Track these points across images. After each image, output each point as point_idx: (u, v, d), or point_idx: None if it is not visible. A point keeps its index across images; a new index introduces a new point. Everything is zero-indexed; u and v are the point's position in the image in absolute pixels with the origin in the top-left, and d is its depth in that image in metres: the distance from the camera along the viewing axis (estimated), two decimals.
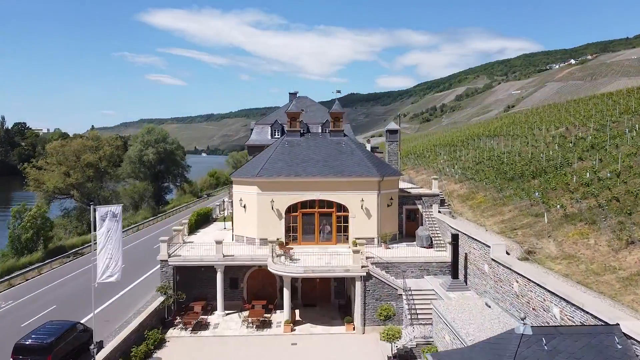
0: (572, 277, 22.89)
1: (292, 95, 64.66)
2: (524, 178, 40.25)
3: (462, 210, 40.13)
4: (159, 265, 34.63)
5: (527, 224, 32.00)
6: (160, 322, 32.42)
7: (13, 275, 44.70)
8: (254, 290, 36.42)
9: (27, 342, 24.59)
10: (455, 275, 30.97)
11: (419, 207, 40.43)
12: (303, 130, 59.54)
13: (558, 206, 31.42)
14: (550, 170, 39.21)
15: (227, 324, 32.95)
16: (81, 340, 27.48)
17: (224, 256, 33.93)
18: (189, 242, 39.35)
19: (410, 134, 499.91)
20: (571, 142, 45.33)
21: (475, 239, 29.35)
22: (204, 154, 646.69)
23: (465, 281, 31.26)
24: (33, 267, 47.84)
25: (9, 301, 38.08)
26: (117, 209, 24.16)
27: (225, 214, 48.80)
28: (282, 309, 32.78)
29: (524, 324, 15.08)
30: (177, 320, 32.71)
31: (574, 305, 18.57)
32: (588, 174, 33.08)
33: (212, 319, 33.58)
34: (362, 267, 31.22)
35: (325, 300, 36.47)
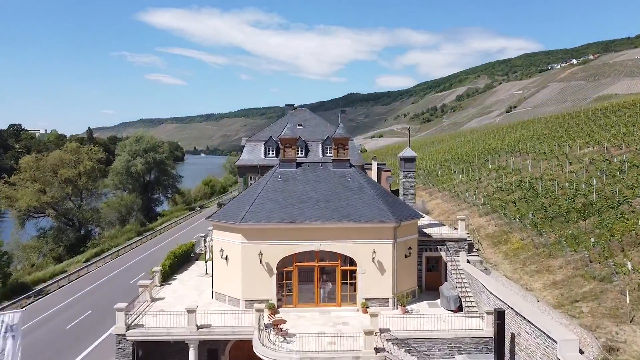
0: None
1: (289, 107, 56.94)
2: (569, 217, 32.56)
3: (496, 260, 32.35)
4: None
5: (591, 292, 24.32)
6: None
7: None
8: None
9: None
10: None
11: (442, 254, 32.72)
12: (301, 148, 52.04)
13: (629, 266, 23.84)
14: (603, 209, 31.54)
15: None
16: None
17: (197, 328, 26.22)
18: (159, 298, 31.58)
19: (411, 134, 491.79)
20: (619, 169, 37.70)
21: (531, 322, 21.65)
22: (203, 154, 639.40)
23: None
24: None
25: None
26: (12, 318, 16.26)
27: (208, 257, 41.15)
28: None
29: None
30: None
31: None
32: None
33: None
34: (377, 351, 23.56)
35: None
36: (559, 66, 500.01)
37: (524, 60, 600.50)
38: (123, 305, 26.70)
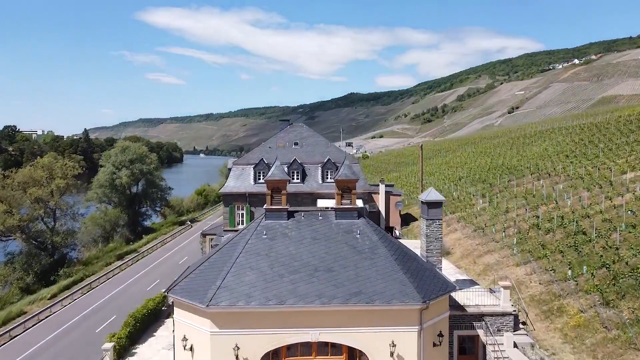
0: None
1: (283, 123, 48.76)
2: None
3: (552, 343, 24.24)
4: None
5: None
6: None
7: None
8: None
9: None
10: None
11: (480, 332, 24.70)
12: (296, 172, 43.97)
13: None
14: None
15: None
16: None
17: None
18: None
19: (411, 134, 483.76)
20: None
21: None
22: (202, 155, 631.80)
23: None
24: None
25: None
26: None
27: None
28: None
29: None
30: None
31: None
32: None
33: None
34: None
35: None
36: (560, 66, 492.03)
37: (525, 60, 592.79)
38: None
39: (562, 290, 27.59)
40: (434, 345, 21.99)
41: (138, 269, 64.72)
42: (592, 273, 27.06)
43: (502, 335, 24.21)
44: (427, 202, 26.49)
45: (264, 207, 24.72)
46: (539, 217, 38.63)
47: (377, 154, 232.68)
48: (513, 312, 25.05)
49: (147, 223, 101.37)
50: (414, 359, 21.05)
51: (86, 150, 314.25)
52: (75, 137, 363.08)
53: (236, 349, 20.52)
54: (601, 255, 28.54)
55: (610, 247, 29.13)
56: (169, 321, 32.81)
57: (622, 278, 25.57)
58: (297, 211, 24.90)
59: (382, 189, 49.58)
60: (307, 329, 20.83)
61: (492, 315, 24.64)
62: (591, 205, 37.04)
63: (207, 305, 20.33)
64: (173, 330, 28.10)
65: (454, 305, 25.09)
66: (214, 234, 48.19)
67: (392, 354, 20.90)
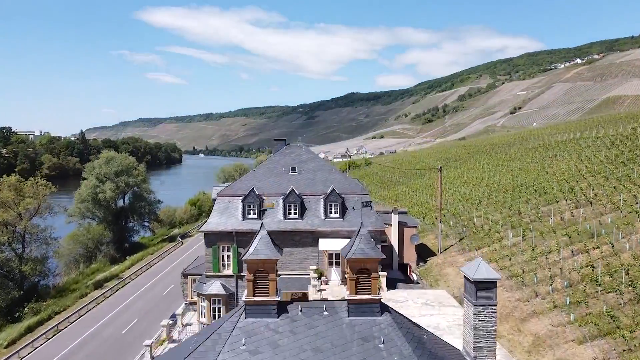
0: None
1: (279, 142, 40.89)
2: None
3: None
4: None
5: None
6: None
7: None
8: None
9: None
10: None
11: None
12: (294, 206, 36.10)
13: None
14: None
15: None
16: None
17: None
18: None
19: (412, 135, 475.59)
20: None
21: None
22: (201, 155, 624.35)
23: None
24: None
25: None
26: None
27: None
28: None
29: None
30: None
31: None
32: None
33: None
34: None
35: None
36: (562, 66, 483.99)
37: (527, 60, 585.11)
38: None
39: None
40: None
41: (117, 301, 56.92)
42: None
43: None
44: (476, 282, 18.50)
45: (243, 298, 16.72)
46: (594, 268, 30.74)
47: (379, 158, 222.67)
48: None
49: (136, 238, 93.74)
50: None
51: (82, 152, 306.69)
52: (72, 139, 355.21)
53: None
54: None
55: None
56: None
57: None
58: (291, 304, 16.92)
59: (394, 220, 41.80)
60: None
61: None
62: None
63: None
64: None
65: None
66: (198, 274, 40.33)
67: None
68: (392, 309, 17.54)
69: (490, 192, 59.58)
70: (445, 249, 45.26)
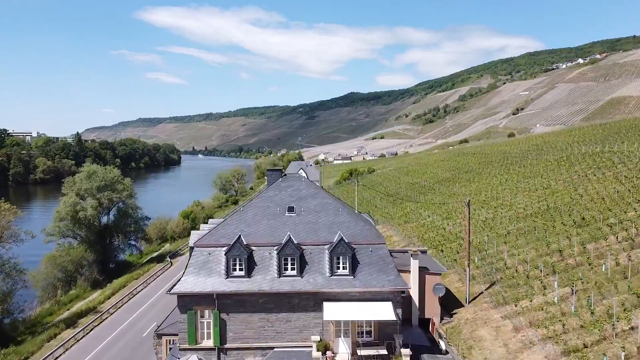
0: None
1: (274, 173, 32.93)
2: None
3: None
4: None
5: None
6: None
7: None
8: None
9: None
10: None
11: None
12: (291, 259, 28.18)
13: None
14: None
15: None
16: None
17: None
18: None
19: (413, 135, 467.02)
20: None
21: None
22: (200, 156, 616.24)
23: None
24: None
25: None
26: None
27: None
28: None
29: None
30: None
31: None
32: None
33: None
34: None
35: None
36: (564, 65, 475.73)
37: (528, 59, 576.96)
38: None
39: None
40: None
41: (88, 346, 48.83)
42: None
43: None
44: None
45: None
46: None
47: (381, 161, 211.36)
48: None
49: (123, 256, 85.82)
50: None
51: (78, 154, 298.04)
52: (70, 140, 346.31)
53: None
54: None
55: None
56: None
57: None
58: None
59: (414, 266, 33.92)
60: None
61: None
62: None
63: None
64: None
65: None
66: (174, 335, 32.29)
67: None
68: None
69: (517, 217, 51.66)
70: (474, 297, 37.36)
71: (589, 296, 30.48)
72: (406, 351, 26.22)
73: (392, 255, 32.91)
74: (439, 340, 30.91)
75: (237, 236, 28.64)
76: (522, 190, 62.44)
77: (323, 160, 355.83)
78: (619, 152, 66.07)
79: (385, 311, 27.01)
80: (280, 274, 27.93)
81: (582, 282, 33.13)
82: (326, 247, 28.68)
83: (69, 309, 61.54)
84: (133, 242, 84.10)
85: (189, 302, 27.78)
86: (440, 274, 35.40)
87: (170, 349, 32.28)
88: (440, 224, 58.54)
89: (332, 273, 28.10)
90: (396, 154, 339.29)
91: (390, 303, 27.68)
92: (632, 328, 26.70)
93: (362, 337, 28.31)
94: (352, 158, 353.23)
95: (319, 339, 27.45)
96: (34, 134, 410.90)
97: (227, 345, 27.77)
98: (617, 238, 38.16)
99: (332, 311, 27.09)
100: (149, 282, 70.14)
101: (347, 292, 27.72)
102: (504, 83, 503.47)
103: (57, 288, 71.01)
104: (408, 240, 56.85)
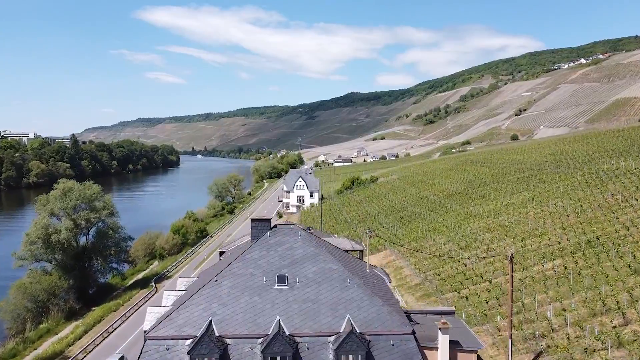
0: None
1: (261, 225, 24.50)
2: None
3: None
4: None
5: None
6: None
7: None
8: None
9: None
10: None
11: None
12: (285, 353, 19.77)
13: None
14: None
15: None
16: None
17: None
18: None
19: (413, 136, 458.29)
20: None
21: None
22: (199, 156, 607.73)
23: None
24: None
25: None
26: None
27: None
28: None
29: None
30: None
31: None
32: None
33: None
34: None
35: None
36: (566, 66, 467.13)
37: (529, 59, 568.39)
38: None
39: None
40: None
41: None
42: None
43: None
44: None
45: None
46: None
47: (382, 164, 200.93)
48: None
49: (106, 278, 77.45)
50: None
51: (74, 157, 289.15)
52: (67, 142, 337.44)
53: None
54: None
55: None
56: None
57: None
58: None
59: (443, 343, 25.62)
60: None
61: None
62: None
63: None
64: None
65: None
66: None
67: None
68: None
69: (552, 253, 43.34)
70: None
71: None
72: None
73: (410, 319, 24.76)
74: None
75: (207, 323, 20.35)
76: (551, 215, 54.09)
77: (323, 162, 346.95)
78: None
79: None
80: None
81: None
82: (330, 339, 20.37)
83: (35, 349, 53.47)
84: (114, 265, 75.68)
85: None
86: (476, 351, 27.12)
87: None
88: (457, 253, 50.23)
89: None
90: (397, 156, 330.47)
91: None
92: None
93: None
94: (352, 160, 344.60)
95: None
96: (32, 135, 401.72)
97: None
98: None
99: None
100: (127, 315, 61.52)
101: None
102: (505, 83, 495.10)
103: (26, 321, 62.80)
104: (422, 276, 48.52)
